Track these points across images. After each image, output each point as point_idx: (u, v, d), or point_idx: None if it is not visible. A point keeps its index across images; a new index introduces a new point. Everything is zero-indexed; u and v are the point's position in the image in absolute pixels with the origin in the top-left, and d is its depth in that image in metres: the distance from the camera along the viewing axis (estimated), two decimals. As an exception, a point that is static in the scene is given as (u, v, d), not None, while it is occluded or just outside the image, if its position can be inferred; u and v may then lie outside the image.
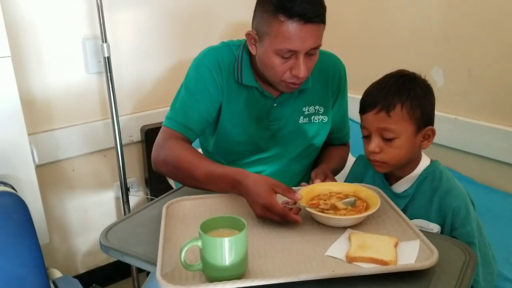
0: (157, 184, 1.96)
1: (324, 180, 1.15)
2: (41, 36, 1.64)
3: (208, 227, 0.80)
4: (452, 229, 1.03)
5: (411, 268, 0.81)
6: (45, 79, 1.68)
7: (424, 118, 1.05)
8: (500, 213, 1.57)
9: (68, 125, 1.77)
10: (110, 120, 1.77)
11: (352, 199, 1.02)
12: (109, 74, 1.71)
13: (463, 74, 1.74)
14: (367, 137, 1.08)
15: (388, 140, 1.04)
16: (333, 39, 1.57)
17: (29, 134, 1.43)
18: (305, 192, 1.04)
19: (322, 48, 1.17)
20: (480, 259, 0.99)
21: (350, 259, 0.85)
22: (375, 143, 1.05)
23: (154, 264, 0.82)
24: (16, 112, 1.36)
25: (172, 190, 1.19)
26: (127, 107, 1.90)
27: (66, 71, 1.73)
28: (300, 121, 1.28)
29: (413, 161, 1.10)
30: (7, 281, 1.11)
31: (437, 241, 0.88)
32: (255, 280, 0.77)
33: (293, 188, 1.01)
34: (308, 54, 1.12)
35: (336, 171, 1.33)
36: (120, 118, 1.77)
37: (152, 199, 1.18)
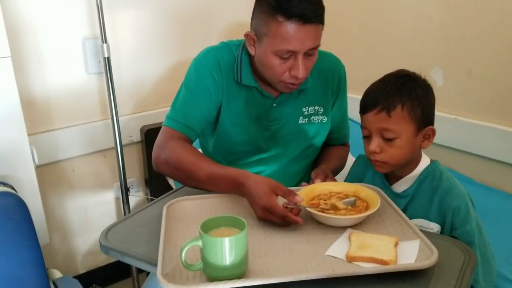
0: (157, 184, 1.95)
1: (324, 180, 1.15)
2: (41, 37, 1.64)
3: (208, 227, 0.81)
4: (452, 228, 1.04)
5: (411, 267, 0.82)
6: (45, 80, 1.68)
7: (424, 118, 1.05)
8: (500, 213, 1.57)
9: (68, 125, 1.77)
10: (110, 121, 1.77)
11: (352, 199, 1.02)
12: (109, 74, 1.71)
13: (463, 74, 1.74)
14: (367, 137, 1.08)
15: (388, 140, 1.04)
16: (333, 39, 1.57)
17: (29, 135, 1.43)
18: (305, 192, 1.04)
19: (322, 48, 1.18)
20: (480, 258, 1.00)
21: (350, 259, 0.85)
22: (375, 143, 1.05)
23: (154, 265, 0.82)
24: (16, 112, 1.36)
25: (172, 191, 1.19)
26: (127, 107, 1.90)
27: (66, 72, 1.73)
28: (299, 121, 1.28)
29: (413, 161, 1.10)
30: (7, 281, 1.11)
31: (437, 241, 0.88)
32: (255, 280, 0.77)
33: (294, 188, 1.01)
34: (307, 54, 1.12)
35: (336, 171, 1.33)
36: (120, 118, 1.77)
37: (152, 200, 1.18)
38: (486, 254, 1.04)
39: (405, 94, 1.03)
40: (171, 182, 1.72)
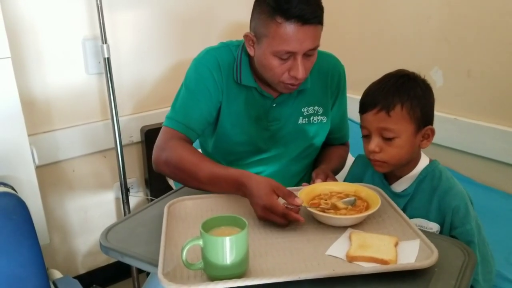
0: (157, 184, 1.96)
1: (325, 180, 1.15)
2: (41, 37, 1.64)
3: (209, 226, 0.81)
4: (451, 228, 1.04)
5: (411, 267, 0.82)
6: (45, 80, 1.68)
7: (424, 118, 1.05)
8: (499, 213, 1.57)
9: (68, 125, 1.77)
10: (110, 121, 1.77)
11: (352, 198, 1.03)
12: (109, 75, 1.71)
13: (463, 74, 1.74)
14: (367, 137, 1.09)
15: (388, 140, 1.04)
16: (333, 39, 1.58)
17: (29, 135, 1.43)
18: (306, 192, 1.04)
19: (322, 48, 1.18)
20: (479, 258, 1.00)
21: (351, 259, 0.85)
22: (375, 143, 1.05)
23: (154, 265, 0.82)
24: (16, 113, 1.36)
25: (172, 191, 1.19)
26: (127, 108, 1.91)
27: (66, 72, 1.73)
28: (299, 122, 1.29)
29: (413, 161, 1.10)
30: (7, 281, 1.11)
31: (437, 241, 0.88)
32: (256, 279, 0.77)
33: (294, 188, 1.01)
34: (306, 55, 1.12)
35: (336, 171, 1.33)
36: (120, 119, 1.77)
37: (152, 200, 1.18)
38: (486, 254, 1.04)
39: (404, 94, 1.03)
40: (171, 182, 1.72)
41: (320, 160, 1.37)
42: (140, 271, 1.91)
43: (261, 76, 1.20)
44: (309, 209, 0.97)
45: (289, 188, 0.99)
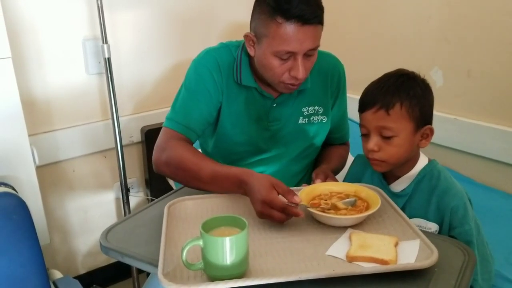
0: (157, 184, 1.96)
1: (324, 180, 1.15)
2: (41, 37, 1.64)
3: (209, 226, 0.81)
4: (450, 228, 1.04)
5: (411, 267, 0.82)
6: (46, 80, 1.69)
7: (423, 117, 1.05)
8: (499, 213, 1.57)
9: (68, 126, 1.77)
10: (110, 121, 1.77)
11: (353, 199, 1.03)
12: (109, 75, 1.71)
13: (463, 74, 1.74)
14: (365, 136, 1.09)
15: (387, 138, 1.05)
16: (333, 39, 1.58)
17: (29, 135, 1.43)
18: (306, 192, 1.04)
19: (322, 48, 1.18)
20: (478, 258, 1.00)
21: (351, 259, 0.85)
22: (373, 142, 1.05)
23: (154, 265, 0.83)
24: (17, 113, 1.36)
25: (172, 191, 1.20)
26: (127, 108, 1.91)
27: (67, 72, 1.73)
28: (299, 122, 1.29)
29: (411, 160, 1.10)
30: (8, 281, 1.11)
31: (437, 241, 0.88)
32: (256, 279, 0.78)
33: (294, 188, 1.01)
34: (307, 55, 1.12)
35: (336, 171, 1.33)
36: (120, 119, 1.77)
37: (152, 200, 1.18)
38: (485, 253, 1.04)
39: (404, 93, 1.03)
40: (171, 182, 1.72)
41: (320, 160, 1.37)
42: (140, 271, 1.91)
43: (261, 76, 1.20)
44: (309, 209, 0.97)
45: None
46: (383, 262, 0.83)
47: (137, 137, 1.94)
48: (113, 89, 1.72)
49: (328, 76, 1.30)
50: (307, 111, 1.28)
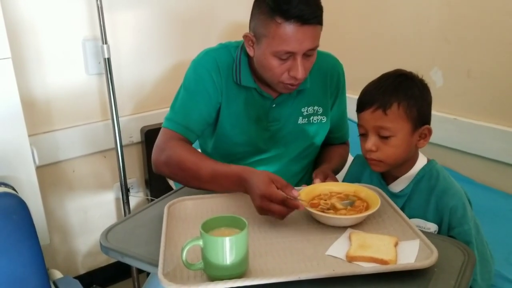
0: (157, 185, 1.96)
1: (324, 180, 1.15)
2: (41, 37, 1.65)
3: (209, 226, 0.81)
4: (449, 228, 1.04)
5: (411, 267, 0.82)
6: (46, 80, 1.69)
7: (420, 117, 1.05)
8: (499, 213, 1.57)
9: (68, 126, 1.77)
10: (110, 121, 1.77)
11: (350, 201, 1.03)
12: (109, 75, 1.71)
13: (463, 74, 1.74)
14: (363, 136, 1.09)
15: (384, 138, 1.05)
16: (333, 39, 1.58)
17: (29, 135, 1.43)
18: (305, 192, 1.04)
19: (321, 48, 1.18)
20: (478, 257, 1.00)
21: (350, 259, 0.85)
22: (371, 142, 1.06)
23: (154, 265, 0.83)
24: (17, 113, 1.36)
25: (172, 191, 1.20)
26: (127, 108, 1.91)
27: (66, 72, 1.73)
28: (299, 122, 1.29)
29: (410, 161, 1.10)
30: (8, 281, 1.11)
31: (436, 241, 0.88)
32: (255, 279, 0.78)
33: (295, 188, 1.01)
34: (306, 55, 1.12)
35: (337, 170, 1.34)
36: (120, 119, 1.78)
37: (152, 200, 1.18)
38: (484, 253, 1.04)
39: (401, 93, 1.03)
40: (171, 183, 1.72)
41: (320, 160, 1.37)
42: (140, 271, 1.91)
43: (260, 76, 1.20)
44: (308, 209, 0.97)
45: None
46: (382, 262, 0.83)
47: (137, 137, 1.94)
48: (113, 90, 1.73)
49: (328, 76, 1.30)
50: (307, 111, 1.29)
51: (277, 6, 1.07)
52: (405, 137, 1.05)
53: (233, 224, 0.82)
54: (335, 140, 1.42)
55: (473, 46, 1.69)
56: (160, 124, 1.25)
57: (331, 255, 0.87)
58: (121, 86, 1.84)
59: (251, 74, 1.23)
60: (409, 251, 0.86)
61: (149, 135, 1.89)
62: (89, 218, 1.92)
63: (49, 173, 1.76)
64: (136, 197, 2.02)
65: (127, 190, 1.86)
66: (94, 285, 1.91)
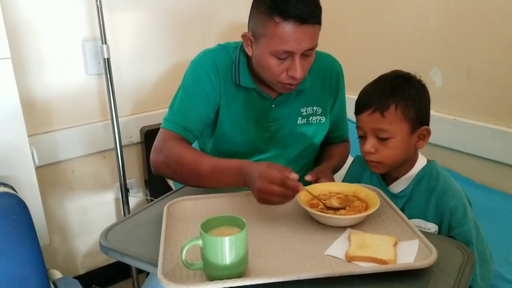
0: (156, 185, 1.96)
1: (315, 178, 1.14)
2: (41, 38, 1.65)
3: (209, 226, 0.81)
4: (449, 228, 1.04)
5: (410, 267, 0.82)
6: (45, 81, 1.69)
7: (419, 118, 1.05)
8: (499, 213, 1.57)
9: (68, 126, 1.77)
10: (109, 121, 1.77)
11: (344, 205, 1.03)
12: (108, 76, 1.71)
13: (462, 75, 1.74)
14: (362, 138, 1.09)
15: (383, 140, 1.05)
16: (332, 39, 1.58)
17: (29, 135, 1.43)
18: (305, 192, 1.04)
19: (320, 48, 1.18)
20: (477, 258, 1.00)
21: (350, 259, 0.85)
22: (370, 144, 1.06)
23: (154, 265, 0.83)
24: (16, 113, 1.36)
25: (172, 191, 1.20)
26: (126, 108, 1.91)
27: (66, 73, 1.73)
28: (298, 122, 1.29)
29: (410, 161, 1.10)
30: (8, 281, 1.11)
31: (436, 242, 0.88)
32: (255, 279, 0.78)
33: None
34: (304, 55, 1.12)
35: (337, 168, 1.34)
36: (119, 119, 1.78)
37: (151, 200, 1.18)
38: (484, 253, 1.04)
39: (398, 95, 1.03)
40: (170, 183, 1.72)
41: (321, 158, 1.37)
42: (140, 271, 1.91)
43: (259, 76, 1.20)
44: (308, 210, 0.97)
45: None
46: (382, 262, 0.83)
47: (136, 137, 1.94)
48: (112, 90, 1.73)
49: (327, 76, 1.30)
50: (306, 111, 1.29)
51: (275, 6, 1.07)
52: (404, 138, 1.05)
53: (232, 224, 0.82)
54: (334, 139, 1.42)
55: (472, 46, 1.70)
56: (160, 124, 1.25)
57: (330, 255, 0.88)
58: (120, 86, 1.84)
59: (250, 75, 1.23)
60: (408, 251, 0.87)
61: (149, 135, 1.89)
62: (89, 218, 1.92)
63: (48, 173, 1.76)
64: (135, 197, 2.02)
65: (127, 190, 1.86)
66: (94, 285, 1.91)
